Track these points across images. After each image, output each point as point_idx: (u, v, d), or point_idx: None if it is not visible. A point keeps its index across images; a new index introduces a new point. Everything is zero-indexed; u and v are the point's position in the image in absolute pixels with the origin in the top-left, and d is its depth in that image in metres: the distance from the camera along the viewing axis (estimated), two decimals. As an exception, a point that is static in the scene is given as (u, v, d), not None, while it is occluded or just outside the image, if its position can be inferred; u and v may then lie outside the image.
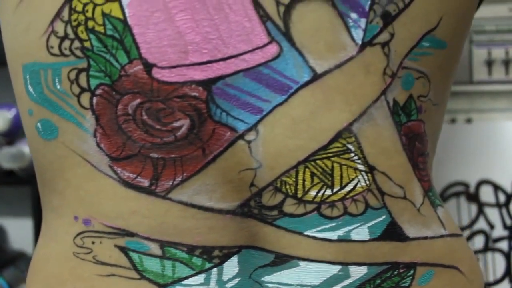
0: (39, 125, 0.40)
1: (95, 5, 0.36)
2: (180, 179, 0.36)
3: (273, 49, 0.34)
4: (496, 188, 1.09)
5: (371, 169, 0.37)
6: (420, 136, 0.40)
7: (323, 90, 0.35)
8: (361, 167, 0.37)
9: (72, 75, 0.37)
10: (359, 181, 0.37)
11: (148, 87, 0.35)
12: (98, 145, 0.37)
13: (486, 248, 1.06)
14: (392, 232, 0.38)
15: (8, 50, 0.42)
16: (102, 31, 0.35)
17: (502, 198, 1.09)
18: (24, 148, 1.36)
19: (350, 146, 0.36)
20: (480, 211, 1.08)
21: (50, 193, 0.41)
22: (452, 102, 1.14)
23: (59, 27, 0.37)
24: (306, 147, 0.36)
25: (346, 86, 0.36)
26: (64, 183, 0.39)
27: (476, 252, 1.07)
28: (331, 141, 0.36)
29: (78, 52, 0.37)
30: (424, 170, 0.41)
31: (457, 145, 1.13)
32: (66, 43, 0.37)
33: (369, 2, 0.35)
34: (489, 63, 1.15)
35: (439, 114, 0.44)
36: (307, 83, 0.35)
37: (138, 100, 0.35)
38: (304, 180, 0.36)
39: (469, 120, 1.14)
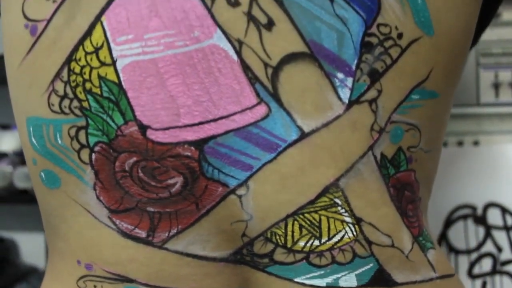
0: (42, 174, 0.42)
1: (92, 68, 0.38)
2: (175, 231, 0.38)
3: (262, 109, 0.36)
4: (504, 211, 1.09)
5: (358, 221, 0.38)
6: (410, 184, 0.41)
7: (311, 148, 0.37)
8: (348, 219, 0.38)
9: (72, 132, 0.39)
10: (346, 232, 0.38)
11: (144, 147, 0.37)
12: (97, 197, 0.39)
13: (494, 271, 1.07)
14: (380, 279, 0.39)
15: (13, 100, 0.45)
16: (99, 93, 0.37)
17: (510, 221, 1.09)
18: (38, 168, 1.39)
19: (337, 200, 0.38)
20: (488, 234, 1.08)
21: (55, 236, 0.43)
22: (459, 124, 1.15)
23: (59, 86, 0.39)
24: (294, 202, 0.37)
25: (333, 144, 0.37)
26: (67, 229, 0.41)
27: (484, 275, 1.07)
28: (319, 196, 0.37)
29: (77, 111, 0.39)
30: (413, 217, 0.42)
31: (464, 167, 1.13)
32: (66, 102, 0.39)
33: (355, 61, 0.37)
34: (496, 86, 1.16)
35: (433, 159, 0.45)
36: (295, 142, 0.36)
37: (134, 159, 0.37)
38: (293, 231, 0.38)
39: (476, 143, 1.14)
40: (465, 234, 1.12)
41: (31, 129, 0.42)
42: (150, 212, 0.38)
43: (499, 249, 1.12)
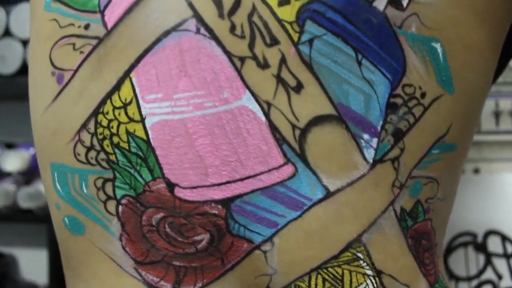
0: (66, 219, 0.42)
1: (120, 123, 0.38)
2: (200, 285, 0.38)
3: (288, 169, 0.36)
4: (504, 238, 1.09)
5: (378, 273, 0.38)
6: (426, 233, 0.42)
7: (335, 206, 0.37)
8: (369, 272, 0.38)
9: (99, 183, 0.39)
10: (367, 284, 0.38)
11: (171, 204, 0.37)
12: (123, 248, 0.39)
13: (494, 298, 1.07)
14: None
15: (37, 144, 0.45)
16: (127, 147, 0.38)
17: (510, 248, 1.10)
18: (41, 187, 1.38)
19: (359, 255, 0.38)
20: (488, 261, 1.09)
21: (75, 278, 0.43)
22: (460, 152, 1.15)
23: (85, 137, 0.39)
24: (318, 257, 0.38)
25: (356, 201, 0.37)
26: (90, 274, 0.41)
27: (484, 302, 1.07)
28: (342, 251, 0.38)
29: (104, 163, 0.39)
30: (430, 264, 0.42)
31: (465, 195, 1.13)
32: (92, 153, 0.39)
33: (381, 123, 0.37)
34: (497, 114, 1.16)
35: (448, 204, 0.45)
36: (320, 200, 0.37)
37: (162, 214, 0.37)
38: (316, 284, 0.38)
39: (476, 170, 1.15)
40: (466, 261, 1.13)
41: (55, 175, 0.42)
42: (176, 266, 0.38)
43: (499, 277, 1.12)
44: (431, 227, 0.42)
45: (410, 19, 0.37)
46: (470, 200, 1.12)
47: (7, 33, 1.39)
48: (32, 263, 1.57)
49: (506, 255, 1.09)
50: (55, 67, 0.41)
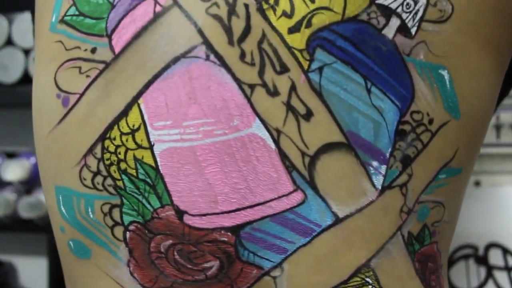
0: (71, 243, 0.41)
1: (127, 149, 0.38)
2: None
3: (298, 196, 0.36)
4: (505, 251, 1.09)
5: None
6: (432, 256, 0.42)
7: (344, 232, 0.37)
8: None
9: (105, 209, 0.39)
10: None
11: (180, 231, 0.37)
12: (131, 274, 0.39)
13: (495, 311, 1.07)
14: None
15: (41, 165, 0.44)
16: (135, 174, 0.37)
17: (511, 261, 1.10)
18: (42, 197, 1.38)
19: (368, 279, 0.38)
20: (489, 274, 1.09)
21: None
22: (461, 164, 1.15)
23: (92, 162, 0.39)
24: (327, 282, 0.38)
25: (365, 227, 0.37)
26: None
27: (486, 314, 1.07)
28: (351, 277, 0.38)
29: (111, 189, 0.38)
30: (436, 286, 0.43)
31: (466, 207, 1.13)
32: (99, 179, 0.39)
33: (390, 150, 0.37)
34: (498, 127, 1.17)
35: (452, 226, 0.45)
36: (330, 226, 0.37)
37: (170, 241, 0.37)
38: None
39: (477, 183, 1.15)
40: (467, 274, 1.13)
41: (60, 198, 0.41)
42: None
43: (501, 290, 1.11)
44: (437, 249, 0.42)
45: (418, 47, 0.38)
46: (471, 212, 1.12)
47: (9, 42, 1.39)
48: (31, 272, 1.57)
49: (507, 268, 1.09)
50: (60, 89, 0.41)
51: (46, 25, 0.43)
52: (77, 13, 0.41)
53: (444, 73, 0.38)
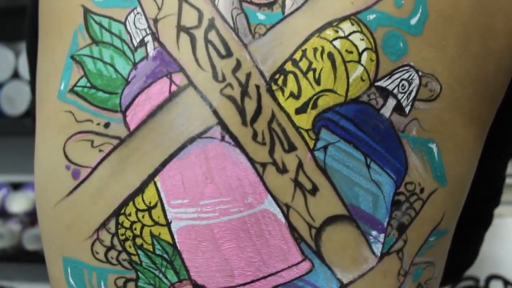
0: None
1: (144, 225, 0.41)
2: None
3: (306, 265, 0.41)
4: (506, 283, 1.13)
5: None
6: None
7: None
8: None
9: (120, 282, 0.42)
10: None
11: None
12: None
13: None
14: None
15: (46, 235, 0.47)
16: (151, 249, 0.41)
17: (512, 293, 1.13)
18: (47, 228, 1.42)
19: None
20: (491, 306, 1.12)
21: None
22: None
23: (105, 236, 0.42)
24: None
25: None
26: None
27: None
28: None
29: (126, 264, 0.42)
30: None
31: (467, 239, 1.17)
32: (113, 253, 0.42)
33: (387, 219, 0.42)
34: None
35: (440, 278, 0.50)
36: None
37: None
38: None
39: (478, 215, 1.19)
40: (469, 306, 1.16)
41: (68, 269, 0.44)
42: None
43: (502, 322, 1.15)
44: None
45: (411, 124, 0.43)
46: (472, 244, 1.15)
47: (16, 75, 1.44)
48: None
49: (508, 300, 1.12)
50: (70, 161, 0.43)
51: (53, 92, 0.45)
52: (88, 85, 0.43)
53: (433, 146, 0.44)
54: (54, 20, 0.46)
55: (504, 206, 1.20)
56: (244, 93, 0.41)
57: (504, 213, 1.19)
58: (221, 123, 0.41)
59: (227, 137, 0.41)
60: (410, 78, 0.42)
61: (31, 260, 1.47)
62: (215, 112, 0.41)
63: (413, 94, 0.43)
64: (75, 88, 0.44)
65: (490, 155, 0.51)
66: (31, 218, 1.48)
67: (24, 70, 1.44)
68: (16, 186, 1.52)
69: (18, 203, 1.44)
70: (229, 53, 0.41)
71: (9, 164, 1.59)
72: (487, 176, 0.55)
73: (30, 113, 1.41)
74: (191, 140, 0.41)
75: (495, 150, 0.53)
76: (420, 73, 0.42)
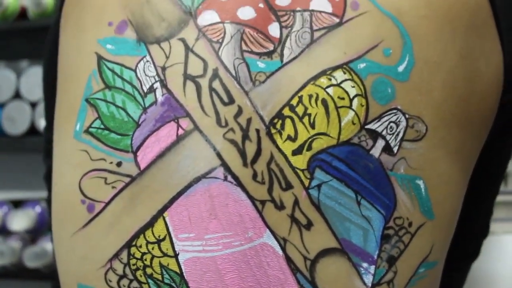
0: None
1: (153, 256, 0.46)
2: None
3: (302, 300, 0.46)
4: (502, 301, 1.17)
5: None
6: None
7: None
8: None
9: None
10: None
11: None
12: None
13: None
14: None
15: (62, 264, 0.51)
16: (160, 278, 0.46)
17: (508, 310, 1.17)
18: (47, 246, 1.46)
19: None
20: (487, 323, 1.16)
21: None
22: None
23: (117, 266, 0.47)
24: None
25: None
26: None
27: None
28: None
29: None
30: None
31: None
32: (125, 281, 0.47)
33: (377, 252, 0.47)
34: (505, 175, 1.25)
35: None
36: None
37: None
38: None
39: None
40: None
41: None
42: None
43: None
44: None
45: (399, 163, 0.47)
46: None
47: (17, 95, 1.49)
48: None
49: (504, 317, 1.16)
50: (85, 196, 0.48)
51: (70, 131, 0.50)
52: (102, 126, 0.48)
53: (420, 182, 0.48)
54: (71, 64, 0.52)
55: (497, 223, 1.24)
56: (245, 136, 0.46)
57: (497, 230, 1.23)
58: (224, 164, 0.46)
59: (229, 177, 0.46)
60: (397, 120, 0.47)
61: (31, 277, 1.51)
62: (218, 155, 0.46)
63: (400, 135, 0.48)
64: (90, 129, 0.49)
65: (477, 190, 0.56)
66: (31, 235, 1.53)
67: (25, 90, 1.49)
68: (17, 204, 1.56)
69: (18, 221, 1.48)
70: (231, 101, 0.46)
71: (10, 182, 1.64)
72: (476, 211, 0.60)
73: (31, 133, 1.46)
74: (197, 179, 0.46)
75: (482, 184, 0.58)
76: (407, 116, 0.47)
